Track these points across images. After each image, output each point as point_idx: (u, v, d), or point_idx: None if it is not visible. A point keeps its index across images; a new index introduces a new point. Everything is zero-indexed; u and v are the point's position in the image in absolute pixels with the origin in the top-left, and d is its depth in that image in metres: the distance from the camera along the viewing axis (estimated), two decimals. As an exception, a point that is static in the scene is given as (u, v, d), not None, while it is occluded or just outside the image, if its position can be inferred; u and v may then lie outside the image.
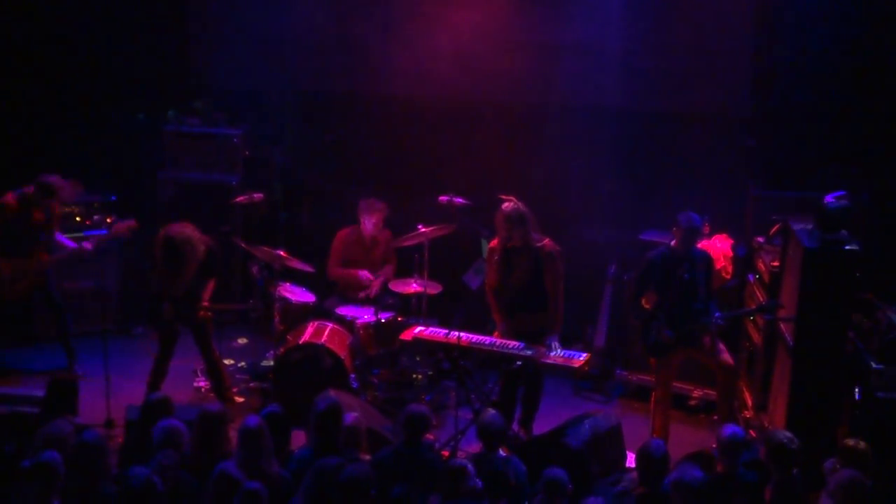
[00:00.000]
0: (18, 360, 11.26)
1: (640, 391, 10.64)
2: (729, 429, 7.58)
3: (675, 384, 10.12)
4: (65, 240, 10.93)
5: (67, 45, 12.48)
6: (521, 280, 9.63)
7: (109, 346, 10.01)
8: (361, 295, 11.01)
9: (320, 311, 10.90)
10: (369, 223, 11.05)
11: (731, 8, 11.53)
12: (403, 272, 11.09)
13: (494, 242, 9.79)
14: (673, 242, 9.55)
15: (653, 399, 9.83)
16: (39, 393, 9.08)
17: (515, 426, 9.85)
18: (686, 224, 9.43)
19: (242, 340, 11.92)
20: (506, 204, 9.60)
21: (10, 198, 10.58)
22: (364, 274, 11.03)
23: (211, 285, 10.16)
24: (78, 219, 11.70)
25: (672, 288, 9.46)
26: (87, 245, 10.81)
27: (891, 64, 10.70)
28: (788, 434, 7.59)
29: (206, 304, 10.08)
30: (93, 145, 12.51)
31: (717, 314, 9.49)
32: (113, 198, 12.06)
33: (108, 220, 11.81)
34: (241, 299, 11.75)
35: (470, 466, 7.19)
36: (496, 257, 9.70)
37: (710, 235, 10.70)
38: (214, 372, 10.30)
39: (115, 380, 9.98)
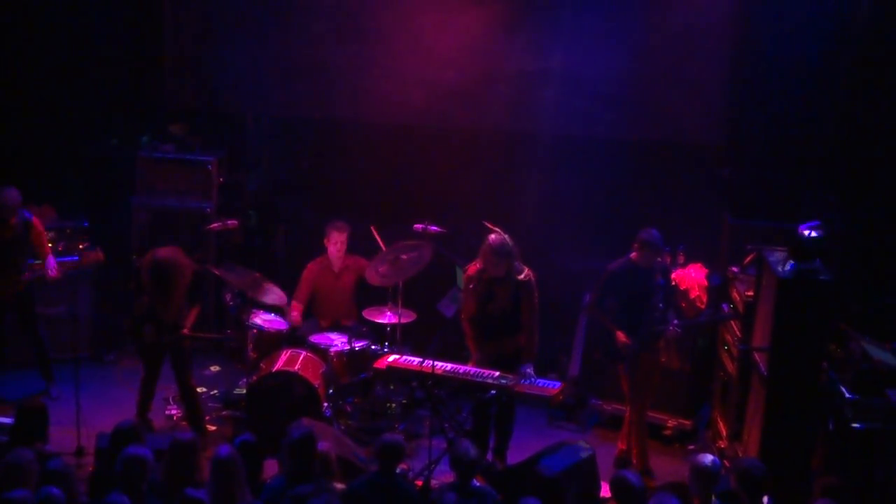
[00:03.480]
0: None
1: (615, 420, 10.61)
2: (702, 459, 7.56)
3: (649, 413, 10.16)
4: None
5: (40, 68, 12.44)
6: (501, 309, 9.60)
7: (81, 373, 9.95)
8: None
9: (294, 339, 10.85)
10: (332, 245, 11.07)
11: (707, 38, 11.59)
12: (378, 300, 11.06)
13: (471, 270, 9.76)
14: (633, 255, 9.69)
15: (627, 420, 9.86)
16: (8, 421, 8.99)
17: (490, 455, 9.81)
18: (648, 239, 9.60)
19: (215, 368, 11.84)
20: (493, 236, 9.56)
21: None
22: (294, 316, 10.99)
23: (194, 312, 10.12)
24: (50, 244, 11.59)
25: (633, 297, 9.63)
26: (52, 272, 10.70)
27: (865, 93, 10.77)
28: (756, 461, 7.60)
29: (186, 331, 10.02)
30: (66, 170, 12.47)
31: (675, 321, 9.73)
32: (86, 224, 11.97)
33: (80, 247, 11.74)
34: (216, 327, 11.71)
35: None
36: (474, 286, 9.66)
37: (684, 265, 10.76)
38: (189, 400, 10.22)
39: (86, 407, 9.90)
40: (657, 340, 9.79)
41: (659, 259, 9.82)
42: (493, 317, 9.63)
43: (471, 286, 9.70)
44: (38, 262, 10.73)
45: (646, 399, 9.89)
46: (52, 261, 10.76)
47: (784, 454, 8.67)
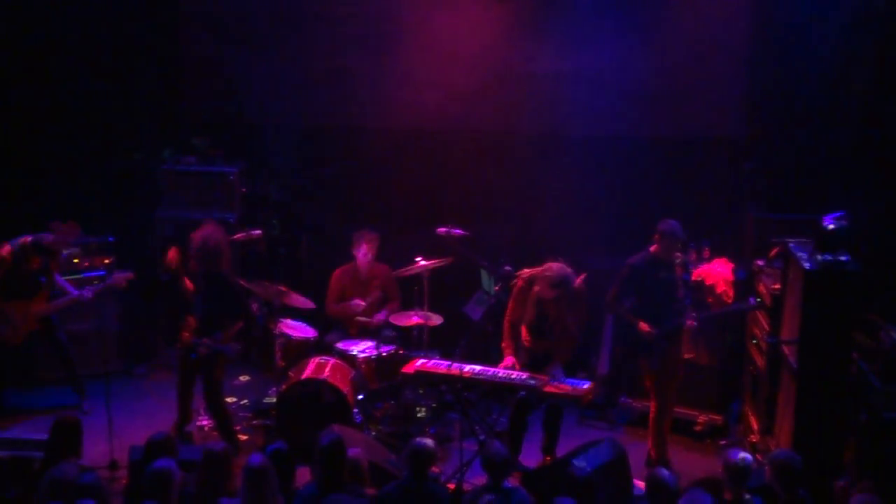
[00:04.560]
0: (20, 402, 11.17)
1: (645, 418, 10.56)
2: (735, 454, 7.53)
3: (680, 410, 10.15)
4: (66, 283, 10.93)
5: (63, 85, 12.51)
6: (551, 318, 9.64)
7: (111, 387, 10.00)
8: (362, 320, 10.99)
9: (321, 347, 10.86)
10: (360, 253, 11.09)
11: (727, 31, 11.58)
12: (404, 304, 11.08)
13: (521, 282, 9.74)
14: (653, 248, 9.69)
15: (652, 415, 9.86)
16: (41, 436, 9.03)
17: (540, 454, 9.89)
18: (666, 230, 9.62)
19: (244, 378, 11.89)
20: (553, 265, 9.52)
21: (4, 251, 10.57)
22: (356, 302, 11.02)
23: (236, 327, 10.01)
24: (76, 261, 11.64)
25: (655, 290, 9.64)
26: (87, 293, 10.78)
27: (887, 82, 10.72)
28: (792, 453, 7.57)
29: (206, 339, 9.97)
30: (90, 186, 12.53)
31: (693, 314, 9.79)
32: (111, 238, 12.03)
33: (106, 262, 11.79)
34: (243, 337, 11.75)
35: None
36: (525, 296, 9.68)
37: (710, 260, 10.72)
38: (217, 411, 10.19)
39: (117, 421, 9.94)
40: (678, 333, 9.78)
41: (679, 254, 9.79)
42: (539, 324, 9.67)
43: (521, 296, 9.75)
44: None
45: (670, 393, 9.85)
46: (59, 278, 10.87)
47: (816, 446, 8.62)
